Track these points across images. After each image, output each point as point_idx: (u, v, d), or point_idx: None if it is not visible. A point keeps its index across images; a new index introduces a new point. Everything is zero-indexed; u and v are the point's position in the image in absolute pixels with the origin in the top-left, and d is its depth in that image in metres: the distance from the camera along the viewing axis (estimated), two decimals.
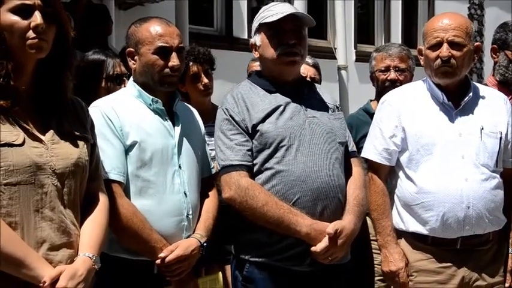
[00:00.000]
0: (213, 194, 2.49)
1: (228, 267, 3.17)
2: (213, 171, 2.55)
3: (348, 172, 2.48)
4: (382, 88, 3.30)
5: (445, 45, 2.57)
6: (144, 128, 2.28)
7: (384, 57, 3.38)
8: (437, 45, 2.58)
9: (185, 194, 2.32)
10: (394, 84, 3.23)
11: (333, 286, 2.41)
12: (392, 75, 3.33)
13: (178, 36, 2.35)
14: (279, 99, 2.41)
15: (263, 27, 2.43)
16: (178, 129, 2.36)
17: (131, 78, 2.44)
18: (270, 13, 2.42)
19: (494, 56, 3.13)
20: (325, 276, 2.35)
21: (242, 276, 2.40)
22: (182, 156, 2.34)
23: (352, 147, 2.56)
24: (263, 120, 2.36)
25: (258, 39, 2.46)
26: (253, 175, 2.35)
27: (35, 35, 1.74)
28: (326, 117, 2.46)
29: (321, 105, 2.49)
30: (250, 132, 2.36)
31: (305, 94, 2.48)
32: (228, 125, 2.38)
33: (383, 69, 3.35)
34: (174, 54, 2.30)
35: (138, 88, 2.35)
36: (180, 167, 2.33)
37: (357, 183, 2.47)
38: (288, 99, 2.42)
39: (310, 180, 2.32)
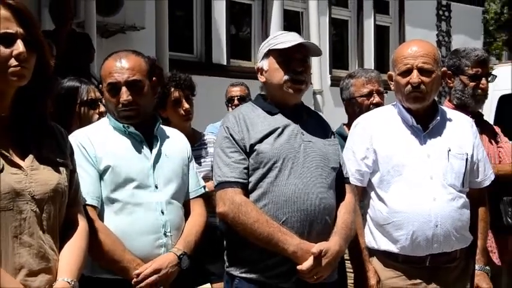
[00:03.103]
0: (199, 213, 2.47)
1: (215, 285, 3.15)
2: (201, 191, 2.54)
3: (340, 197, 2.48)
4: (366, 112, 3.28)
5: (415, 72, 2.60)
6: (118, 153, 2.29)
7: (364, 83, 3.37)
8: (407, 72, 2.62)
9: (162, 212, 2.30)
10: (377, 107, 3.22)
11: None
12: (377, 98, 3.32)
13: (129, 69, 2.33)
14: (278, 121, 2.43)
15: (272, 53, 2.44)
16: (154, 151, 2.36)
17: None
18: (280, 40, 2.45)
19: (449, 81, 3.14)
20: None
21: None
22: (159, 177, 2.33)
23: (346, 173, 2.56)
24: (261, 140, 2.37)
25: (265, 64, 2.47)
26: (247, 192, 2.36)
27: (17, 63, 1.73)
28: (321, 143, 2.47)
29: (317, 131, 2.50)
30: (248, 151, 2.37)
31: (303, 119, 2.49)
32: (227, 143, 2.39)
33: (366, 93, 3.34)
34: (123, 89, 2.30)
35: (111, 116, 2.38)
36: (156, 187, 2.32)
37: (348, 208, 2.47)
38: (286, 122, 2.43)
39: (300, 201, 2.33)
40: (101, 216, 2.22)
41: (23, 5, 1.79)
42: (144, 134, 2.36)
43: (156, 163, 2.35)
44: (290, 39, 2.45)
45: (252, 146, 2.37)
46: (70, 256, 1.85)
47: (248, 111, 2.48)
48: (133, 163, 2.30)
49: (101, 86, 2.41)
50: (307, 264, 2.27)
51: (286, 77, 2.41)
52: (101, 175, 2.24)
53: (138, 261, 2.21)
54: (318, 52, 2.56)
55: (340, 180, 2.51)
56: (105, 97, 2.38)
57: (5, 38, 1.72)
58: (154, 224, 2.28)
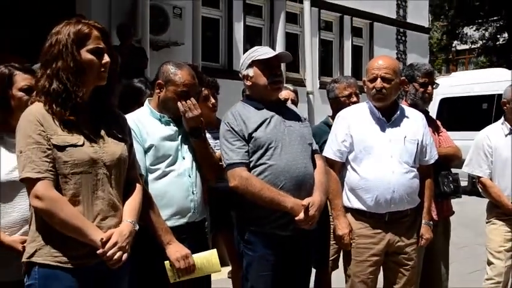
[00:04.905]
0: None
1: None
2: None
3: (313, 164, 2.46)
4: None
5: (379, 80, 2.58)
6: (157, 135, 2.25)
7: (345, 86, 3.29)
8: (374, 79, 2.60)
9: (189, 176, 2.27)
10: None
11: (304, 245, 2.41)
12: (354, 99, 3.26)
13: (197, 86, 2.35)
14: (265, 114, 2.38)
15: (256, 63, 2.39)
16: (181, 133, 2.31)
17: (147, 100, 2.40)
18: (260, 53, 2.39)
19: (405, 86, 3.07)
20: (300, 238, 2.35)
21: (243, 240, 2.39)
22: (185, 151, 2.30)
23: (315, 147, 2.54)
24: (256, 129, 2.33)
25: (251, 71, 2.40)
26: (250, 169, 2.32)
27: (103, 69, 1.75)
28: (298, 126, 2.44)
29: (294, 118, 2.46)
30: (246, 138, 2.33)
31: (282, 110, 2.46)
32: (230, 134, 2.35)
33: (347, 95, 3.27)
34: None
35: (150, 108, 2.33)
36: (183, 158, 2.28)
37: (321, 171, 2.45)
38: (271, 114, 2.39)
39: (292, 170, 2.31)
40: (146, 182, 2.16)
41: (105, 28, 1.81)
42: (175, 121, 2.32)
43: (182, 142, 2.30)
44: (267, 51, 2.40)
45: (250, 134, 2.33)
46: (131, 204, 1.86)
47: (241, 108, 2.42)
48: (168, 143, 2.26)
49: (162, 83, 2.30)
50: (302, 214, 2.26)
51: (269, 80, 2.37)
52: (146, 151, 2.20)
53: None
54: (289, 58, 2.48)
55: (312, 152, 2.47)
56: (169, 96, 2.27)
57: (97, 51, 1.74)
58: (186, 184, 2.25)
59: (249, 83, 2.43)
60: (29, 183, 1.65)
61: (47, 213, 1.65)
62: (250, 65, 2.40)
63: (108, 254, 1.68)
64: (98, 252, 1.68)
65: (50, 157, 1.67)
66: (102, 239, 1.68)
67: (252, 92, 2.47)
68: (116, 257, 1.70)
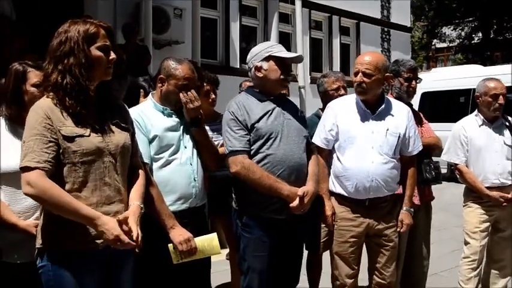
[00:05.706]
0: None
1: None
2: None
3: (308, 154, 2.46)
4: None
5: (360, 74, 2.56)
6: (160, 126, 2.23)
7: (334, 81, 3.28)
8: (356, 73, 2.58)
9: (191, 164, 2.26)
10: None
11: (297, 228, 2.43)
12: (342, 91, 3.25)
13: (196, 79, 2.32)
14: (267, 106, 2.37)
15: (273, 58, 2.33)
16: (183, 123, 2.30)
17: (150, 94, 2.38)
18: (278, 49, 2.37)
19: (391, 81, 3.06)
20: (293, 222, 2.36)
21: (241, 223, 2.39)
22: (187, 141, 2.29)
23: (310, 139, 2.54)
24: (258, 120, 2.32)
25: (265, 64, 2.34)
26: (250, 157, 2.32)
27: (110, 65, 1.74)
28: (296, 119, 2.44)
29: (292, 111, 2.45)
30: (249, 128, 2.32)
31: (283, 103, 2.45)
32: (233, 123, 2.33)
33: (335, 88, 3.26)
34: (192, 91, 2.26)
35: (153, 101, 2.31)
36: (185, 147, 2.27)
37: (314, 162, 2.45)
38: (273, 106, 2.38)
39: (288, 160, 2.31)
40: (151, 170, 2.15)
41: (110, 27, 1.80)
42: (176, 113, 2.30)
43: (183, 132, 2.29)
44: (284, 49, 2.38)
45: (252, 124, 2.31)
46: (136, 189, 1.85)
47: (245, 99, 2.40)
48: (171, 133, 2.25)
49: (163, 77, 2.28)
50: (296, 202, 2.26)
51: (282, 76, 2.36)
52: (150, 141, 2.19)
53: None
54: (301, 60, 2.52)
55: (308, 144, 2.48)
56: (171, 89, 2.25)
57: (105, 48, 1.73)
58: (188, 171, 2.24)
59: (260, 74, 2.37)
60: (26, 171, 1.61)
61: (38, 200, 1.64)
62: (266, 59, 2.35)
63: (136, 233, 1.66)
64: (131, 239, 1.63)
65: (51, 149, 1.64)
66: (119, 219, 1.65)
67: (259, 83, 2.41)
68: (134, 234, 1.67)
